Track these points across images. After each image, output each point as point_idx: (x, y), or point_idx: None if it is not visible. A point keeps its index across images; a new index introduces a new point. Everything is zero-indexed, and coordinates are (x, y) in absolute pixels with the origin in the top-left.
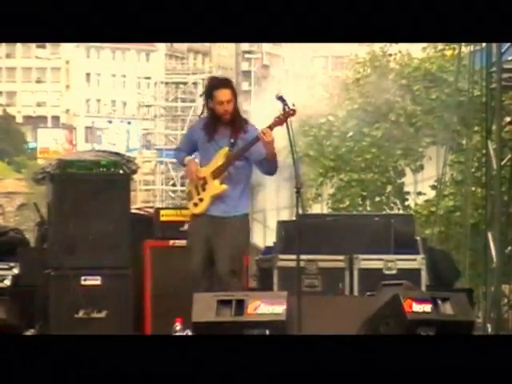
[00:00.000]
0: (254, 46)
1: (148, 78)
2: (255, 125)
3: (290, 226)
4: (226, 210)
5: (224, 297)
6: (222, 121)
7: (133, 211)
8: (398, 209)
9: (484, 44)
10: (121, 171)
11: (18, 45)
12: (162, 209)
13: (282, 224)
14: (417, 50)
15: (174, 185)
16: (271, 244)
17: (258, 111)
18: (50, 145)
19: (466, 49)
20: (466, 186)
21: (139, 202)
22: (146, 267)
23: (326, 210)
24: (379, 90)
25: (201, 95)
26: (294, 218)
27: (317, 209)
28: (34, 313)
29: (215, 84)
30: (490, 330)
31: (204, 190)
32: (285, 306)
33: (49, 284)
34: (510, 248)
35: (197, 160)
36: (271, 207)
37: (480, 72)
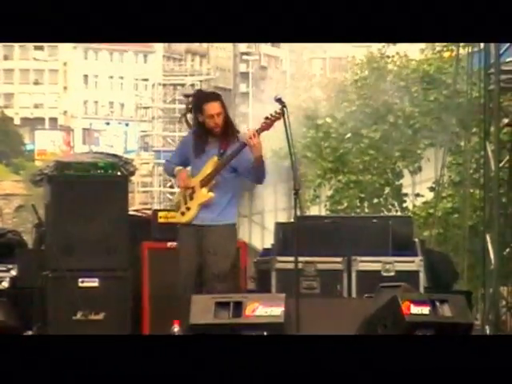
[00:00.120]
0: (252, 48)
1: (146, 79)
2: (251, 128)
3: (288, 227)
4: (213, 218)
5: (222, 299)
6: (212, 134)
7: (131, 213)
8: (396, 210)
9: (482, 45)
10: (118, 173)
11: (16, 46)
12: (160, 210)
13: (280, 226)
14: (415, 52)
15: (171, 186)
16: (269, 246)
17: (257, 113)
18: (47, 146)
19: (464, 50)
20: (464, 187)
21: (137, 203)
22: (144, 269)
23: (324, 212)
24: (377, 91)
25: (187, 111)
26: (292, 220)
27: (315, 210)
28: (32, 315)
29: (204, 98)
30: (488, 332)
31: (192, 198)
32: (283, 308)
33: (47, 286)
34: (508, 250)
35: (187, 169)
36: (269, 209)
37: (478, 73)
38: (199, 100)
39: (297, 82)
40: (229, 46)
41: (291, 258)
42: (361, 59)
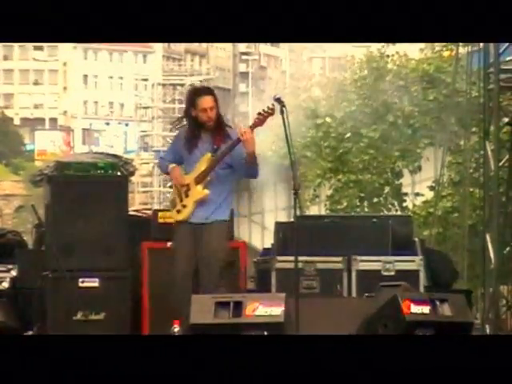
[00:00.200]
0: (252, 48)
1: (145, 79)
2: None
3: (288, 227)
4: (207, 216)
5: (222, 298)
6: (205, 128)
7: (130, 213)
8: (396, 210)
9: (482, 45)
10: (118, 173)
11: (16, 47)
12: (160, 210)
13: (279, 225)
14: (414, 51)
15: (171, 187)
16: (269, 245)
17: (256, 112)
18: (47, 147)
19: (463, 49)
20: (463, 186)
21: (137, 203)
22: (144, 269)
23: (323, 212)
24: (377, 91)
25: (182, 116)
26: (292, 220)
27: (315, 210)
28: (32, 315)
29: (197, 92)
30: (488, 331)
31: (187, 196)
32: (283, 308)
33: (47, 286)
34: (508, 249)
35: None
36: (269, 209)
37: (478, 73)
38: (193, 94)
39: (296, 81)
40: (228, 45)
41: (291, 258)
42: (360, 58)
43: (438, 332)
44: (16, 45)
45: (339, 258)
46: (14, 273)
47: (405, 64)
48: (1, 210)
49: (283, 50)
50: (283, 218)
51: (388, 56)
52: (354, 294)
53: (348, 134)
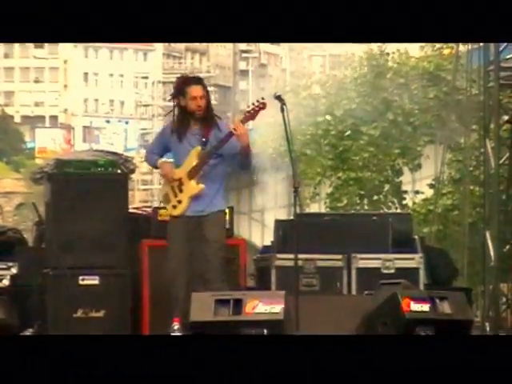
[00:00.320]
0: (252, 46)
1: (146, 77)
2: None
3: (288, 225)
4: (202, 209)
5: (222, 296)
6: (194, 117)
7: (131, 211)
8: (396, 208)
9: (482, 43)
10: (119, 171)
11: (16, 45)
12: (160, 208)
13: (279, 223)
14: (414, 49)
15: None
16: (269, 243)
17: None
18: (48, 144)
19: (463, 47)
20: (463, 184)
21: (137, 201)
22: (144, 266)
23: (323, 209)
24: (377, 89)
25: (171, 96)
26: (292, 217)
27: (315, 208)
28: (33, 312)
29: (187, 81)
30: (488, 329)
31: (181, 191)
32: (283, 306)
33: (47, 283)
34: (508, 247)
35: (169, 160)
36: (269, 206)
37: (478, 70)
38: (182, 83)
39: (296, 79)
40: (228, 43)
41: (291, 256)
42: (360, 56)
43: (437, 330)
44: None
45: (339, 256)
46: (14, 270)
47: (405, 62)
48: (1, 207)
49: (283, 48)
50: (283, 215)
51: (388, 54)
52: (353, 291)
53: (348, 132)
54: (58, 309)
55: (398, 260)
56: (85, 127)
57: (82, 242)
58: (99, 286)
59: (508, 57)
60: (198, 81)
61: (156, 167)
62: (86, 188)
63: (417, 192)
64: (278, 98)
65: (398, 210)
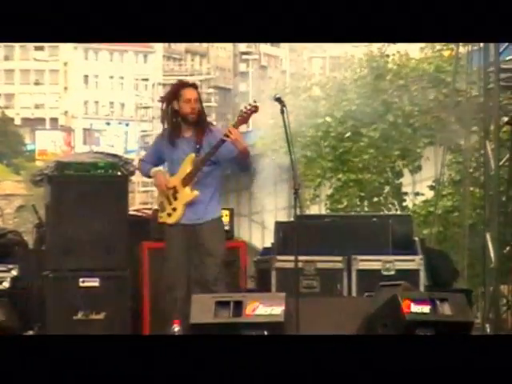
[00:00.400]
0: (252, 47)
1: (146, 79)
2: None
3: (288, 226)
4: (198, 217)
5: (222, 298)
6: (187, 121)
7: (131, 213)
8: (396, 209)
9: (482, 44)
10: (119, 173)
11: (16, 47)
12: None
13: (279, 225)
14: (414, 51)
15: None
16: (269, 245)
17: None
18: (48, 147)
19: (463, 49)
20: (464, 186)
21: (137, 203)
22: (144, 268)
23: (323, 211)
24: (377, 90)
25: (162, 99)
26: (292, 219)
27: (315, 209)
28: (33, 315)
29: (182, 84)
30: (488, 330)
31: (176, 199)
32: (283, 307)
33: (47, 286)
34: (508, 248)
35: (162, 169)
36: (269, 208)
37: (478, 72)
38: (176, 86)
39: (296, 81)
40: (229, 45)
41: (291, 257)
42: (360, 58)
43: (438, 331)
44: (17, 45)
45: (339, 258)
46: (14, 272)
47: (405, 63)
48: (2, 209)
49: (283, 49)
50: (283, 217)
51: (388, 55)
52: (354, 293)
53: (348, 134)
54: (58, 311)
55: (399, 262)
56: (85, 129)
57: (82, 244)
58: (99, 289)
59: (508, 58)
60: (192, 85)
61: (149, 176)
62: (86, 190)
63: (417, 194)
64: (278, 99)
65: (398, 212)
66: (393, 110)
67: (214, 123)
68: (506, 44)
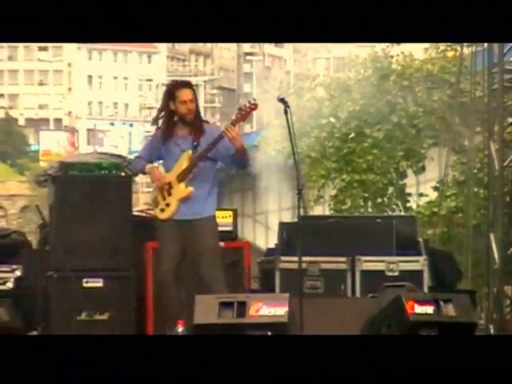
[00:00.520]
0: (256, 48)
1: (150, 80)
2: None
3: (292, 227)
4: (194, 213)
5: (226, 299)
6: (184, 121)
7: (135, 213)
8: (400, 210)
9: (486, 45)
10: (122, 173)
11: (20, 47)
12: None
13: (283, 225)
14: (418, 51)
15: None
16: (273, 246)
17: (260, 113)
18: (52, 147)
19: (467, 50)
20: (468, 186)
21: (141, 203)
22: (148, 269)
23: (327, 212)
24: (381, 91)
25: (160, 109)
26: (296, 220)
27: (319, 210)
28: (36, 315)
29: (177, 85)
30: (492, 331)
31: (170, 194)
32: (287, 308)
33: (51, 286)
34: None
35: (157, 164)
36: (273, 209)
37: (482, 73)
38: (172, 87)
39: (300, 81)
40: (233, 46)
41: (295, 258)
42: (364, 58)
43: (441, 332)
44: (21, 45)
45: (343, 259)
46: (18, 273)
47: (409, 64)
48: (6, 210)
49: (287, 50)
50: (287, 218)
51: (392, 56)
52: (357, 294)
53: (352, 134)
54: (61, 311)
55: (402, 262)
56: (89, 130)
57: (85, 245)
58: (103, 289)
59: None
60: (188, 85)
61: (144, 172)
62: (90, 191)
63: (421, 194)
64: (282, 100)
65: (402, 213)
66: (397, 110)
67: (218, 124)
68: (511, 45)
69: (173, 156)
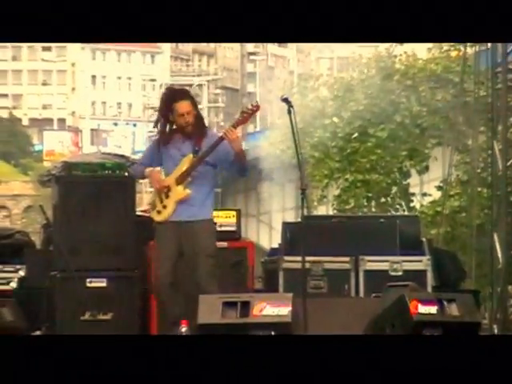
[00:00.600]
0: (259, 48)
1: (153, 80)
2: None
3: (296, 227)
4: (192, 214)
5: (229, 298)
6: (183, 132)
7: (138, 213)
8: (404, 210)
9: (489, 44)
10: (126, 173)
11: (24, 47)
12: None
13: (287, 225)
14: (422, 51)
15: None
16: (277, 245)
17: (264, 113)
18: (55, 147)
19: (471, 49)
20: (471, 186)
21: (145, 203)
22: (152, 269)
23: (331, 212)
24: (384, 90)
25: (158, 110)
26: (300, 220)
27: (322, 210)
28: (41, 315)
29: (173, 97)
30: (496, 331)
31: (168, 197)
32: (290, 308)
33: (55, 286)
34: None
35: (158, 169)
36: (277, 209)
37: (485, 72)
38: (169, 99)
39: (304, 81)
40: (236, 46)
41: (298, 258)
42: (368, 58)
43: (445, 332)
44: (24, 45)
45: (347, 258)
46: (22, 273)
47: (412, 64)
48: (10, 210)
49: (291, 50)
50: (291, 217)
51: (396, 56)
52: (361, 294)
53: (355, 134)
54: (65, 311)
55: (406, 262)
56: (92, 130)
57: (89, 245)
58: (107, 289)
59: None
60: (184, 95)
61: (143, 177)
62: (93, 190)
63: (424, 194)
64: (285, 100)
65: (406, 213)
66: (400, 110)
67: (222, 123)
68: None
69: (173, 160)
